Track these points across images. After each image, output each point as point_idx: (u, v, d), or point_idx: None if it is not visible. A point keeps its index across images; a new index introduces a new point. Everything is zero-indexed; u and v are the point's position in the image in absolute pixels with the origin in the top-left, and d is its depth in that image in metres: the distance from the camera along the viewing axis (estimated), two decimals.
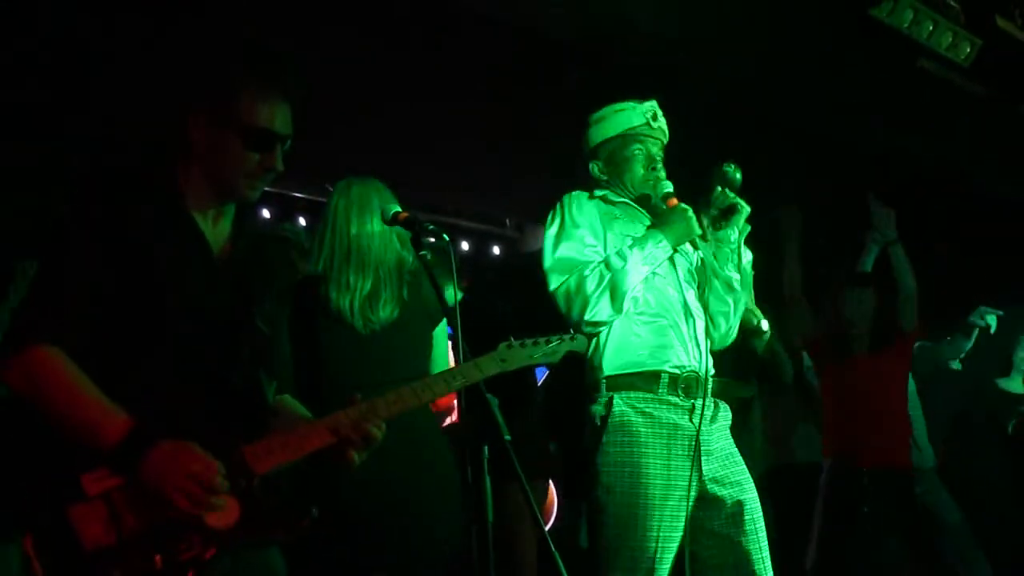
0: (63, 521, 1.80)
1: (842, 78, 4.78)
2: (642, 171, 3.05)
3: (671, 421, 2.79)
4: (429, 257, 2.55)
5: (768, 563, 2.79)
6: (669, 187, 2.99)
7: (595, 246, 2.92)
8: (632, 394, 2.80)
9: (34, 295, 1.99)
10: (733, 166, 3.07)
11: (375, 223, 3.10)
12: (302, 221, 6.48)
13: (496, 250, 7.50)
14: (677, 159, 3.20)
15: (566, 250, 2.90)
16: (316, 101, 4.42)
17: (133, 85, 4.11)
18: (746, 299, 3.07)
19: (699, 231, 2.93)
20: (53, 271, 1.97)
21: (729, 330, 3.04)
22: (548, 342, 2.26)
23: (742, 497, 2.81)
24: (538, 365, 2.27)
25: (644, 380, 2.81)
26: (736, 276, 3.00)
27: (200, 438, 1.89)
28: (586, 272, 2.82)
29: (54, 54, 3.96)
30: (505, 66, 4.43)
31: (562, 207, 2.98)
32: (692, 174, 3.19)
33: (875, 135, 5.38)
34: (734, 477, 2.83)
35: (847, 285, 4.76)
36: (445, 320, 3.20)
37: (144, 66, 3.98)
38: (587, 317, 2.80)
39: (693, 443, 2.78)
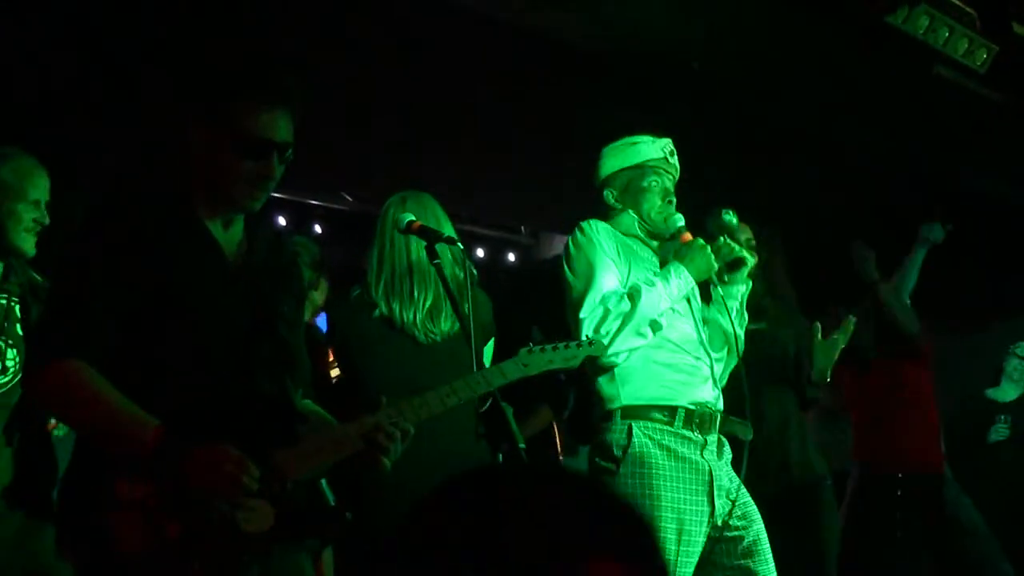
0: (101, 528, 1.82)
1: (858, 86, 4.76)
2: (659, 202, 3.03)
3: (686, 456, 2.80)
4: (443, 265, 2.56)
5: None
6: (681, 221, 2.99)
7: (617, 275, 2.90)
8: (651, 424, 2.80)
9: (55, 310, 2.00)
10: (731, 212, 3.07)
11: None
12: (318, 229, 6.52)
13: (511, 257, 7.51)
14: (691, 175, 3.19)
15: (590, 279, 2.88)
16: (331, 108, 4.47)
17: (140, 92, 4.14)
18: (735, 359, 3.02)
19: (717, 267, 2.91)
20: (71, 284, 1.98)
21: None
22: (567, 347, 2.28)
23: (751, 527, 2.84)
24: (558, 370, 2.28)
25: (662, 412, 2.81)
26: (733, 329, 2.96)
27: (231, 444, 1.90)
28: (610, 305, 2.81)
29: (59, 59, 3.99)
30: (522, 73, 4.44)
31: (582, 234, 2.97)
32: (706, 187, 3.18)
33: (889, 146, 5.36)
34: (742, 509, 2.85)
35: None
36: (493, 338, 3.25)
37: (149, 74, 3.99)
38: (612, 349, 2.78)
39: (707, 479, 2.80)
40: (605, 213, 3.12)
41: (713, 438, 2.86)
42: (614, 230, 3.03)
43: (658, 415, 2.80)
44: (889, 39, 4.24)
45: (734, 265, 2.96)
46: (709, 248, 2.89)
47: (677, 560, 2.70)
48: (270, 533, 1.91)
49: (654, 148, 3.08)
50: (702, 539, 2.76)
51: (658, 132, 3.14)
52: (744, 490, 2.88)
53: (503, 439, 2.33)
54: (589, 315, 2.81)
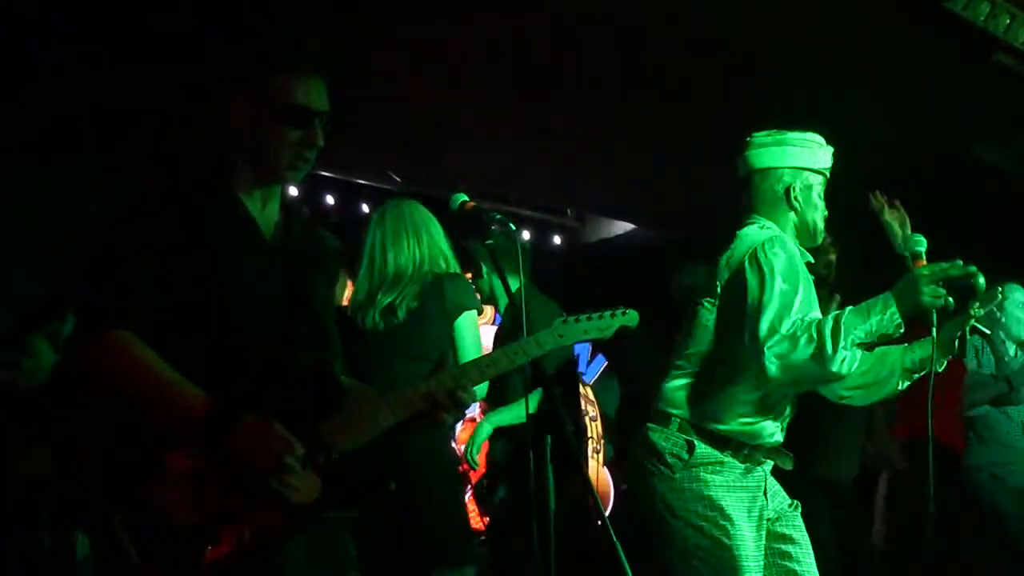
0: (152, 499, 1.85)
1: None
2: (821, 225, 2.85)
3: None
4: (495, 245, 2.58)
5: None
6: (923, 244, 2.67)
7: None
8: (703, 442, 2.72)
9: (100, 284, 2.00)
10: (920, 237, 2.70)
11: (409, 245, 3.30)
12: (365, 208, 6.57)
13: (557, 239, 7.51)
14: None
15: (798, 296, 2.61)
16: (383, 90, 4.48)
17: (171, 79, 4.19)
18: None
19: (940, 304, 2.51)
20: (115, 259, 1.99)
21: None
22: (601, 317, 2.28)
23: (796, 522, 2.81)
24: (593, 340, 2.29)
25: (715, 439, 2.70)
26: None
27: (277, 418, 1.92)
28: (803, 329, 2.54)
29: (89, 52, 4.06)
30: (567, 55, 4.42)
31: (777, 254, 2.66)
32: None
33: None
34: (785, 503, 2.83)
35: None
36: (467, 315, 3.31)
37: (180, 62, 4.04)
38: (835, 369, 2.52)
39: (763, 475, 2.76)
40: (764, 204, 2.86)
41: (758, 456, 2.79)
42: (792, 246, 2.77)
43: (710, 440, 2.71)
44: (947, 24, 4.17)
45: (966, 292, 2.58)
46: (938, 289, 2.50)
47: (753, 557, 2.64)
48: (316, 503, 1.94)
49: (827, 155, 2.88)
50: (763, 533, 2.71)
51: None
52: (781, 488, 2.86)
53: (553, 422, 2.34)
54: (796, 335, 2.54)
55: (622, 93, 4.78)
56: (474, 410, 5.60)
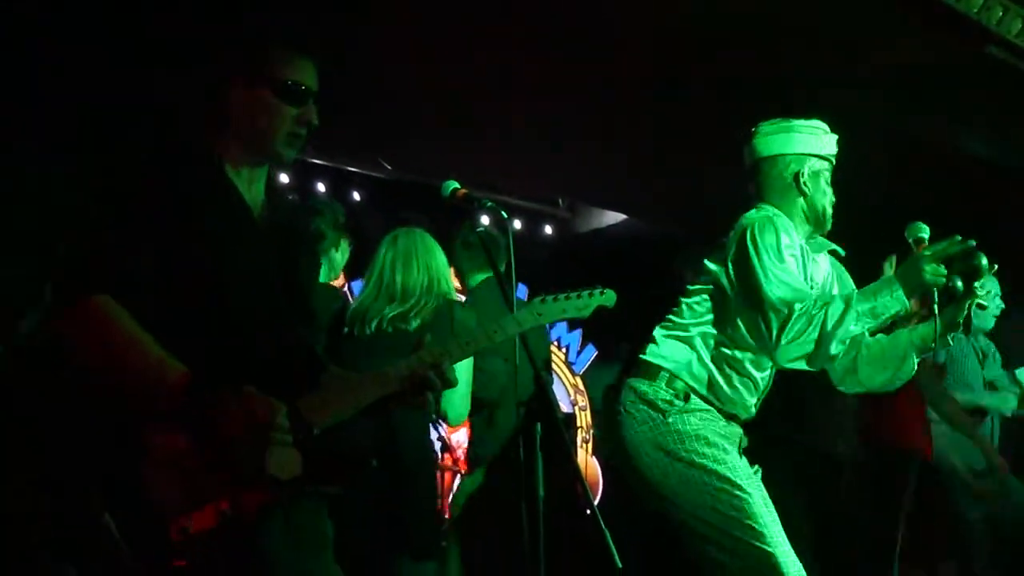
0: (131, 475, 1.84)
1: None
2: (829, 210, 2.93)
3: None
4: (486, 233, 2.58)
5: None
6: (925, 231, 2.73)
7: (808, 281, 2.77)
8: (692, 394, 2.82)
9: (89, 247, 1.98)
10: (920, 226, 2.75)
11: (420, 272, 3.48)
12: (356, 196, 6.56)
13: (548, 229, 7.51)
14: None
15: (787, 273, 2.71)
16: (374, 79, 4.47)
17: (171, 79, 4.18)
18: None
19: (942, 282, 2.64)
20: (107, 226, 1.98)
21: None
22: (579, 296, 2.30)
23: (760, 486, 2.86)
24: (571, 319, 2.31)
25: (699, 397, 2.81)
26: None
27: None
28: (813, 310, 2.65)
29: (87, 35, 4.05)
30: (557, 43, 4.41)
31: (774, 227, 2.76)
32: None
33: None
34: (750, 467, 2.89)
35: None
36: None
37: (180, 62, 4.04)
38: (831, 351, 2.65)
39: (738, 437, 2.86)
40: (773, 191, 2.94)
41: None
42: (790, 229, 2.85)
43: (698, 398, 2.81)
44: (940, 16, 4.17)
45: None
46: (937, 268, 2.62)
47: (755, 487, 2.71)
48: (296, 479, 1.94)
49: (832, 142, 2.97)
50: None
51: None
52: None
53: (541, 409, 2.35)
54: (796, 311, 2.65)
55: (622, 89, 4.77)
56: None
